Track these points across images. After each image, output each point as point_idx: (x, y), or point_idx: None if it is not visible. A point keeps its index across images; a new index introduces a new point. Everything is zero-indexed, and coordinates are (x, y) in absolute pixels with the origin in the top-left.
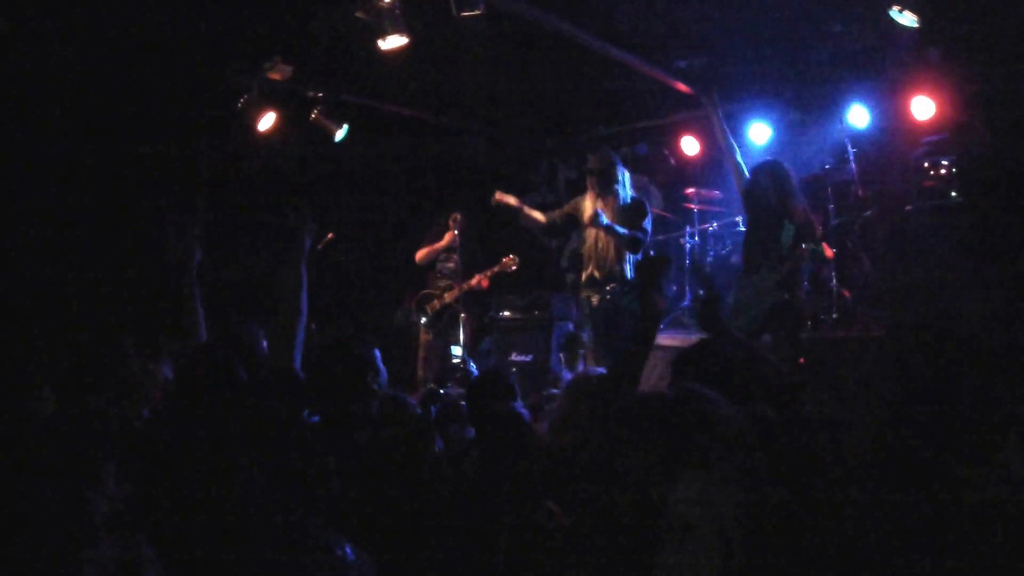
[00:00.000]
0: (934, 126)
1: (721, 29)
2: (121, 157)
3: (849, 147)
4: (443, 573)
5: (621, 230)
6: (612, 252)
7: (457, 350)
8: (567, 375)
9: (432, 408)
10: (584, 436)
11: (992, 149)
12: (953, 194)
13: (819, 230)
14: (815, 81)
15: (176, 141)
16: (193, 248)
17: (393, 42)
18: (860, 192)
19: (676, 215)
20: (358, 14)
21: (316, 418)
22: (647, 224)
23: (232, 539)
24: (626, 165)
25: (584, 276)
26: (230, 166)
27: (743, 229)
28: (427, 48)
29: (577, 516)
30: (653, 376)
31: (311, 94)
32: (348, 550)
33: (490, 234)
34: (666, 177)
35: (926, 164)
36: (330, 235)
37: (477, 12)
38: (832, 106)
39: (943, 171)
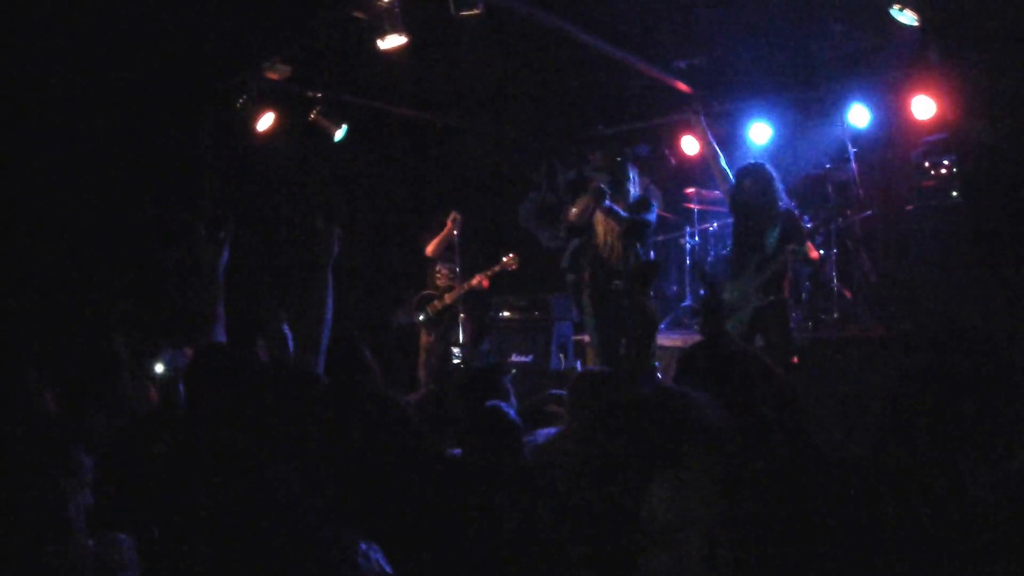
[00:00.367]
0: (934, 126)
1: (721, 29)
2: (121, 157)
3: (849, 147)
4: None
5: (623, 213)
6: (618, 250)
7: (457, 351)
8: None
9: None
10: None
11: (992, 149)
12: (953, 194)
13: (804, 231)
14: (815, 81)
15: (176, 141)
16: (221, 249)
17: (392, 42)
18: (860, 192)
19: (676, 215)
20: (357, 14)
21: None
22: (651, 216)
23: (263, 545)
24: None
25: (588, 276)
26: (245, 167)
27: None
28: (426, 48)
29: (562, 517)
30: (667, 377)
31: (310, 94)
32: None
33: (490, 234)
34: (666, 177)
35: (926, 164)
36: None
37: (476, 11)
38: (832, 106)
39: (943, 171)
